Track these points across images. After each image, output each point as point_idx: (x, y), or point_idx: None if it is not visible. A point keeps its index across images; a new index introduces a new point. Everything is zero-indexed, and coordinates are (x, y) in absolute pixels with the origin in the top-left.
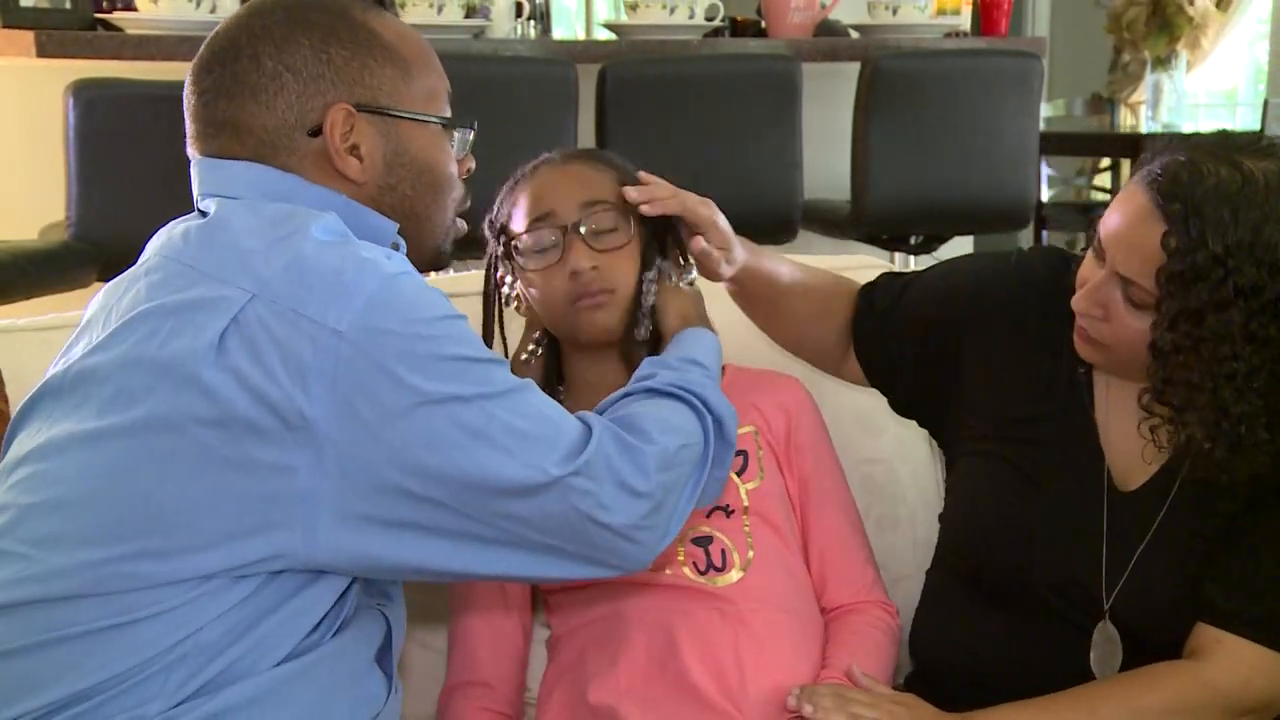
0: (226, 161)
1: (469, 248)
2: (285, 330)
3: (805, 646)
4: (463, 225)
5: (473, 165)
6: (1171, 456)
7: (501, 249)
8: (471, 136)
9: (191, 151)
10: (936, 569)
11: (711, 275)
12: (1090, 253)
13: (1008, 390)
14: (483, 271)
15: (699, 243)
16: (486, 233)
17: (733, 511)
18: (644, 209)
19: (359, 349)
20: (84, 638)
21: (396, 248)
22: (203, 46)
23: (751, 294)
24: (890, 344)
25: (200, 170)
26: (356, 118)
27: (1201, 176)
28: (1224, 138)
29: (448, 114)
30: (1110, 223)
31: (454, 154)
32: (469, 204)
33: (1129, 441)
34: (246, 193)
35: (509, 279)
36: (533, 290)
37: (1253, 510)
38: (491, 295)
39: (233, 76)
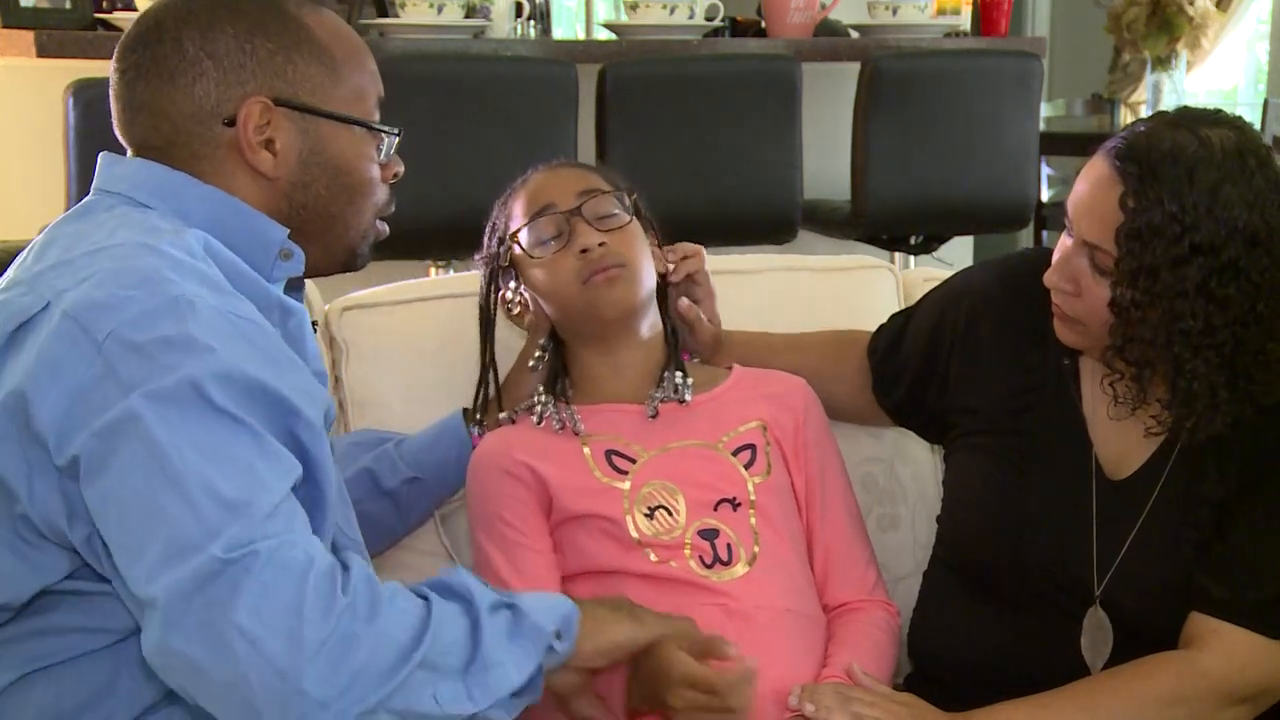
0: (122, 158)
1: (458, 249)
2: (55, 332)
3: (807, 645)
4: (383, 229)
5: (400, 170)
6: (1161, 444)
7: (503, 255)
8: (396, 142)
9: (117, 132)
10: (933, 568)
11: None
12: (1064, 233)
13: (996, 384)
14: (471, 273)
15: (685, 304)
16: (479, 258)
17: (739, 505)
18: (684, 266)
19: (109, 364)
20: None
21: (289, 255)
22: (131, 24)
23: (732, 353)
24: (898, 380)
25: (100, 164)
26: (274, 112)
27: (1159, 141)
28: (1185, 110)
29: (375, 117)
30: (1075, 193)
31: (377, 158)
32: (393, 208)
33: (1118, 431)
34: (130, 190)
35: (512, 284)
36: (540, 285)
37: (1242, 498)
38: (488, 316)
39: (153, 58)
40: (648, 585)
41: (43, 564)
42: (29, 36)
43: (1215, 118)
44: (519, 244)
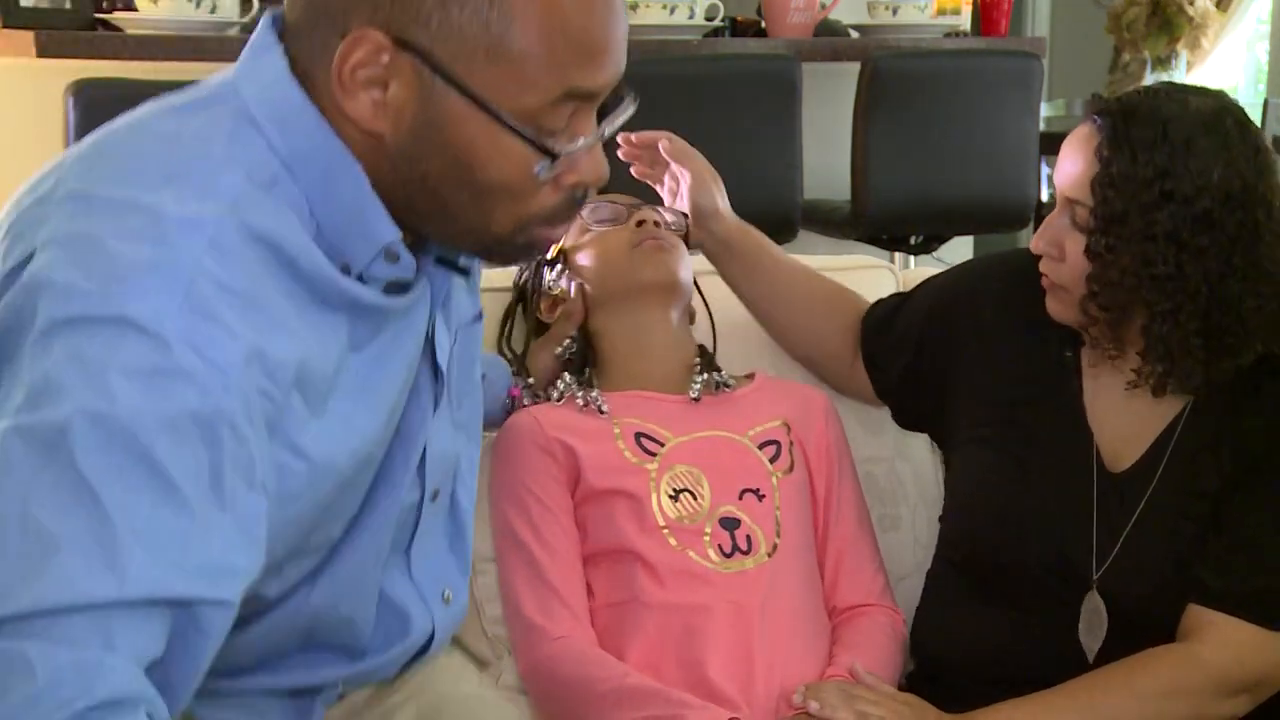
0: (272, 48)
1: None
2: (11, 300)
3: (814, 647)
4: (550, 234)
5: (587, 178)
6: (1159, 437)
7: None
8: (582, 142)
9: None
10: (936, 566)
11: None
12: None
13: (998, 377)
14: (488, 271)
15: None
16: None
17: (764, 496)
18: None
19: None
20: None
21: (394, 258)
22: None
23: (743, 258)
24: (890, 358)
25: (256, 35)
26: (397, 55)
27: (1138, 101)
28: (1170, 84)
29: (559, 114)
30: (1058, 159)
31: (534, 167)
32: (570, 220)
33: (1118, 423)
34: (257, 101)
35: (557, 268)
36: (588, 260)
37: (1239, 490)
38: (525, 297)
39: None
40: (665, 579)
41: None
42: (29, 36)
43: (1198, 89)
44: (580, 215)
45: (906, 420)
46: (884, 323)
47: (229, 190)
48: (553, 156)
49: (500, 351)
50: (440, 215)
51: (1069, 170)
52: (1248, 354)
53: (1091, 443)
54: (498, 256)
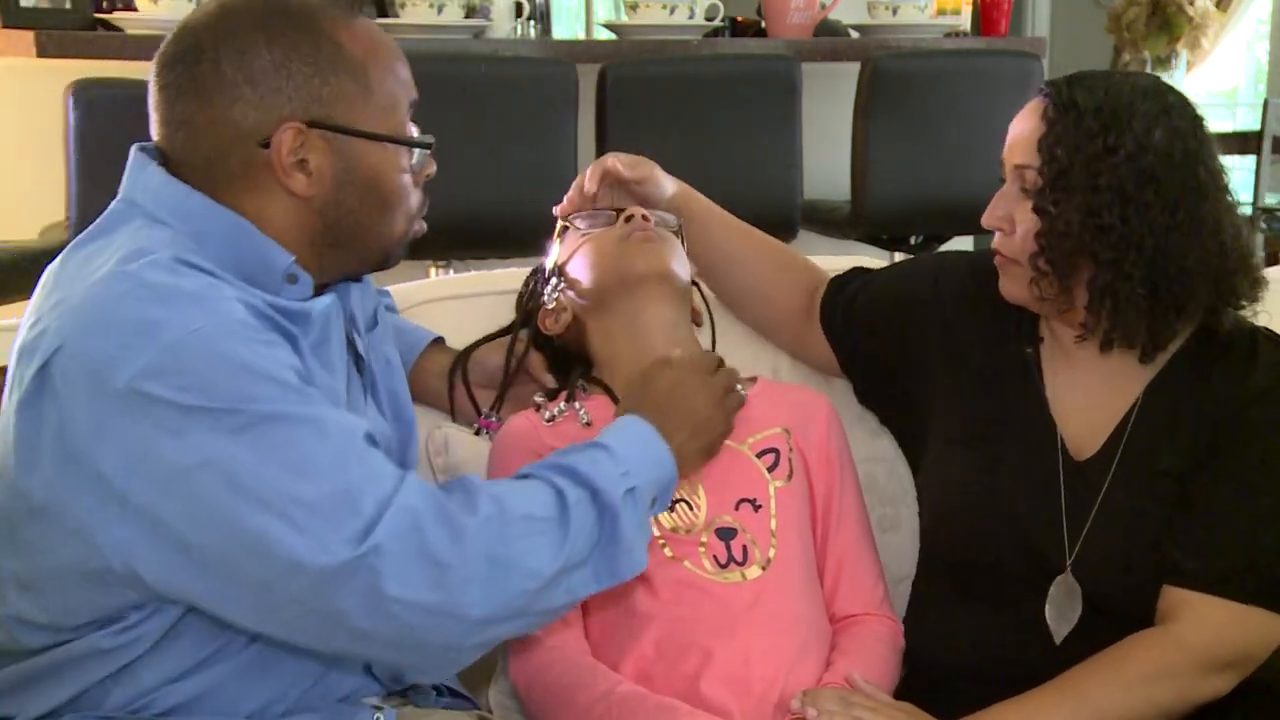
0: (150, 164)
1: (459, 249)
2: (74, 385)
3: (815, 655)
4: (420, 227)
5: (432, 171)
6: (1119, 423)
7: (548, 252)
8: (426, 137)
9: (156, 141)
10: (920, 570)
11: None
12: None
13: (962, 377)
14: (472, 274)
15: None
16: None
17: (760, 506)
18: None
19: (144, 416)
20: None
21: (294, 280)
22: (169, 37)
23: (691, 220)
24: (851, 333)
25: (131, 162)
26: (308, 134)
27: (1084, 74)
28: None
29: (407, 124)
30: (1009, 134)
31: (409, 167)
32: (426, 209)
33: (1079, 413)
34: (153, 206)
35: (554, 282)
36: (581, 262)
37: (1202, 469)
38: (525, 312)
39: (192, 78)
40: (659, 589)
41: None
42: (29, 36)
43: (1140, 74)
44: (571, 224)
45: (867, 399)
46: (849, 300)
47: (164, 248)
48: (428, 146)
49: (451, 374)
50: (359, 239)
51: (1017, 136)
52: (1193, 309)
53: (1056, 434)
54: (393, 258)
